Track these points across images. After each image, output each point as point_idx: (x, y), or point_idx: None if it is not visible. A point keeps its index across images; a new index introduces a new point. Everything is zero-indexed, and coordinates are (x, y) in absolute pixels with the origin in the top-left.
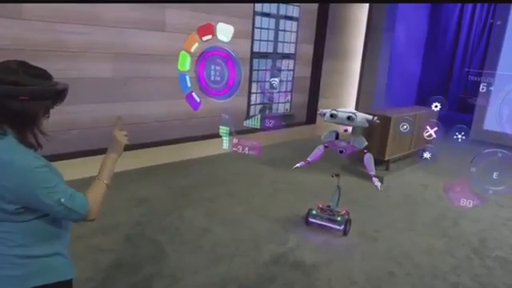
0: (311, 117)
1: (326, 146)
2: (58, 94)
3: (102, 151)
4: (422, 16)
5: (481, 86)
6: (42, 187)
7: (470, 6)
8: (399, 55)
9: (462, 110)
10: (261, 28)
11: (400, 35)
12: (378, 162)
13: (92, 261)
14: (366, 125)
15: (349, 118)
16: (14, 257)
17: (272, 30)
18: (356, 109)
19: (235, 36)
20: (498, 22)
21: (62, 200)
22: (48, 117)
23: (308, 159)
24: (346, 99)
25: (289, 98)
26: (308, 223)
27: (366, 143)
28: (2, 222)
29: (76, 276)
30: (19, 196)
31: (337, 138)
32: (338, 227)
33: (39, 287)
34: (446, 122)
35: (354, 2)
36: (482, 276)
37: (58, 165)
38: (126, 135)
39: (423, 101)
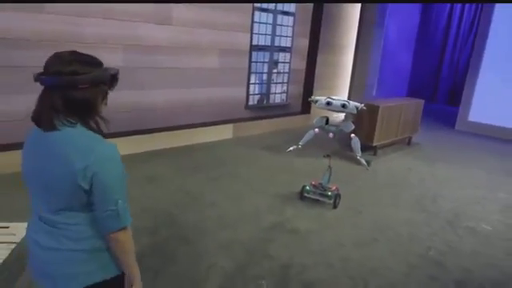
0: (306, 107)
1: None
2: (111, 79)
3: (110, 136)
4: (414, 11)
5: (466, 80)
6: (114, 180)
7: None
8: (391, 49)
9: (451, 103)
10: (259, 22)
11: (392, 30)
12: (367, 148)
13: None
14: (355, 111)
15: (343, 105)
16: (82, 252)
17: (270, 24)
18: (348, 99)
19: (236, 30)
20: None
21: (119, 201)
22: (106, 103)
23: (300, 143)
24: (339, 90)
25: (285, 88)
26: (302, 198)
27: (353, 127)
28: (70, 212)
29: None
30: (91, 182)
31: (327, 123)
32: (328, 201)
33: (99, 283)
34: (435, 115)
35: (349, 2)
36: (452, 242)
37: None
38: None
39: (415, 93)
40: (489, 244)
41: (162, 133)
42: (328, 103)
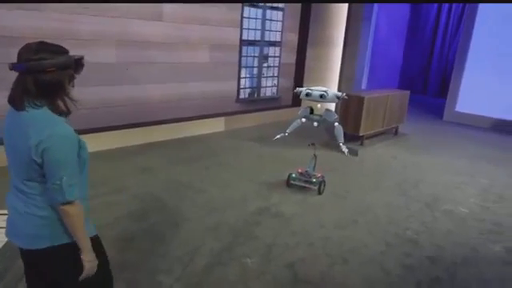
0: (297, 100)
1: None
2: (76, 63)
3: (106, 129)
4: (404, 5)
5: (453, 72)
6: (61, 157)
7: None
8: (382, 42)
9: (441, 95)
10: (249, 18)
11: (382, 23)
12: (354, 138)
13: (109, 213)
14: (336, 101)
15: (321, 95)
16: (45, 218)
17: (259, 19)
18: (338, 91)
19: (226, 25)
20: None
21: (64, 178)
22: (73, 86)
23: (287, 131)
24: (328, 83)
25: (275, 82)
26: (289, 185)
27: (336, 116)
28: (33, 182)
29: (98, 223)
30: (42, 156)
31: (311, 112)
32: (313, 187)
33: (64, 245)
34: (425, 106)
35: (338, 2)
36: (428, 222)
37: None
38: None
39: (406, 85)
40: (463, 225)
41: (156, 126)
42: (307, 94)
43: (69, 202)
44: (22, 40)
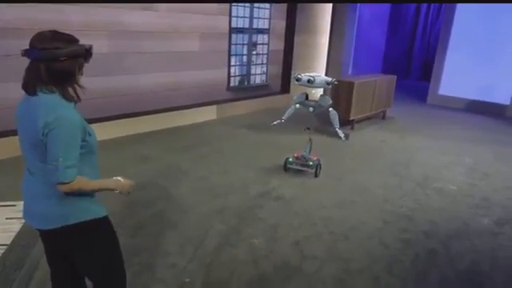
0: (285, 87)
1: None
2: (86, 53)
3: (101, 119)
4: None
5: (436, 56)
6: (62, 139)
7: None
8: (365, 29)
9: (423, 79)
10: (237, 5)
11: (365, 10)
12: (345, 122)
13: (114, 201)
14: (326, 86)
15: (308, 80)
16: (56, 198)
17: (248, 7)
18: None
19: (215, 13)
20: None
21: (60, 159)
22: (82, 74)
23: (283, 117)
24: (316, 70)
25: (264, 69)
26: (286, 169)
27: (331, 101)
28: (39, 163)
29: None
30: (46, 135)
31: (306, 98)
32: (310, 170)
33: (79, 223)
34: (409, 90)
35: (323, 1)
36: (421, 200)
37: None
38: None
39: (389, 71)
40: (454, 201)
41: (150, 115)
42: (297, 79)
43: (63, 183)
44: (12, 31)
